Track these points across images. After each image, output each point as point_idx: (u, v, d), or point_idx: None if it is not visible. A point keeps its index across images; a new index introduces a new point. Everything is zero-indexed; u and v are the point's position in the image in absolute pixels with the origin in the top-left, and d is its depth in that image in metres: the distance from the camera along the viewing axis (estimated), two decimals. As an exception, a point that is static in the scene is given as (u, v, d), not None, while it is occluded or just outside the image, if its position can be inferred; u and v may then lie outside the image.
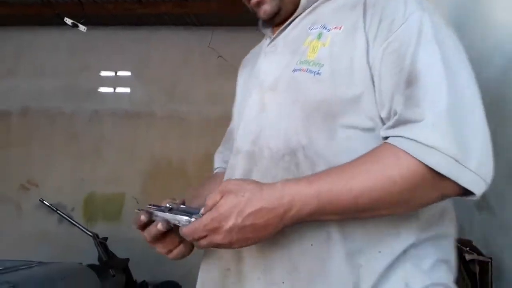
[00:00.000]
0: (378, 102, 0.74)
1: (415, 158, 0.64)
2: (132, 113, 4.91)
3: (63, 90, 4.94)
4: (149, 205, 0.77)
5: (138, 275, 3.42)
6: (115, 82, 5.02)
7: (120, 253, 3.02)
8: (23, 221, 4.67)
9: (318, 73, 0.77)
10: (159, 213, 0.74)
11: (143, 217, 0.76)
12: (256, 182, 0.70)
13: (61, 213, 3.10)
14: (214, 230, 0.65)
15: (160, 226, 0.74)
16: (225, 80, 4.83)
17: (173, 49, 4.96)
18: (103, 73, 5.04)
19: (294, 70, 0.81)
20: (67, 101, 4.92)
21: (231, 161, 0.89)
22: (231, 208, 0.65)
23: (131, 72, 5.02)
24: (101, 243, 2.82)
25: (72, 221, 2.98)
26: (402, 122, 0.68)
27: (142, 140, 4.85)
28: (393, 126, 0.69)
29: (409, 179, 0.65)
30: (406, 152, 0.65)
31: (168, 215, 0.72)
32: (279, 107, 0.82)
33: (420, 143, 0.64)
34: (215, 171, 1.11)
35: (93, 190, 4.78)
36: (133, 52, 4.97)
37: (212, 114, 4.80)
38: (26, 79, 4.94)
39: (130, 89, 5.01)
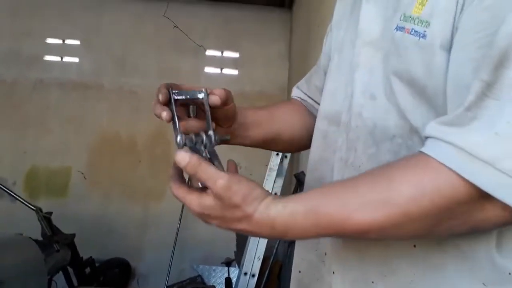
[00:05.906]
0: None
1: (456, 173, 0.47)
2: (80, 84, 4.69)
3: (4, 57, 4.64)
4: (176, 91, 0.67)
5: (85, 252, 3.32)
6: (62, 50, 4.77)
7: (66, 230, 2.91)
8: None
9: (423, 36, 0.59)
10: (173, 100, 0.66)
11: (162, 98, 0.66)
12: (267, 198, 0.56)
13: (1, 186, 2.93)
14: (202, 215, 0.57)
15: (164, 116, 0.64)
16: (179, 54, 4.72)
17: (125, 18, 4.77)
18: (49, 40, 4.76)
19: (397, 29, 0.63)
20: (9, 68, 4.63)
21: (321, 126, 0.79)
22: (224, 210, 0.55)
23: (80, 42, 4.78)
24: (45, 217, 2.70)
25: (13, 194, 2.83)
26: (462, 121, 0.49)
27: (90, 113, 4.66)
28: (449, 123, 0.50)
29: (442, 198, 0.48)
30: (442, 164, 0.48)
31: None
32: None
33: (470, 153, 0.46)
34: (292, 98, 1.00)
35: (36, 163, 4.57)
36: (82, 20, 4.73)
37: (165, 88, 4.67)
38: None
39: (79, 59, 4.78)
